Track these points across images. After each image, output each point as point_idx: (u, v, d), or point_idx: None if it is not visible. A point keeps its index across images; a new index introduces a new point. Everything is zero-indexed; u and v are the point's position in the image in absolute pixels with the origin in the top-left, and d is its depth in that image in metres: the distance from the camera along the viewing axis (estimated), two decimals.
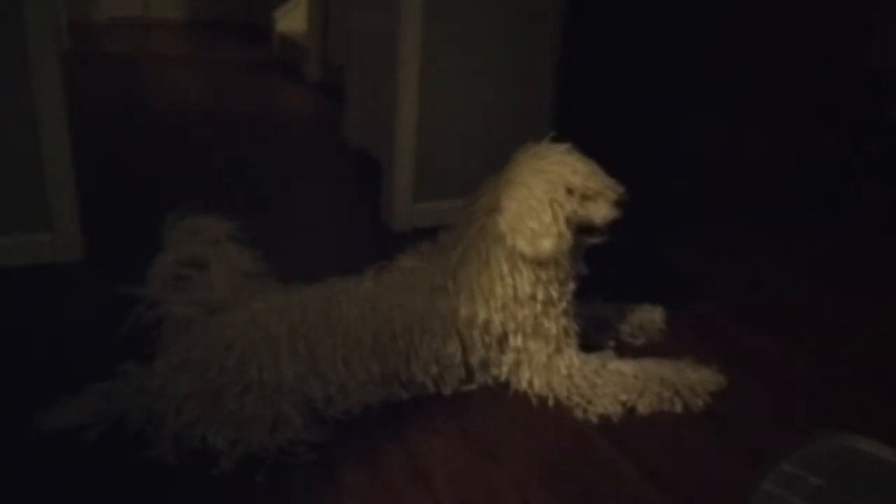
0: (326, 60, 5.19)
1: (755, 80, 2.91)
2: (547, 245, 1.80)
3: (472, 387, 1.92)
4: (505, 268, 1.86)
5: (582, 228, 1.88)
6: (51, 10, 2.33)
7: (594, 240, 1.92)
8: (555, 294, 1.89)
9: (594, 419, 1.83)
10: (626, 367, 1.92)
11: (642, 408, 1.86)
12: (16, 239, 2.43)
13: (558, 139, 1.93)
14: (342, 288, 1.89)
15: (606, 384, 1.88)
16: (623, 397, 1.87)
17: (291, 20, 6.06)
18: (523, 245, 1.81)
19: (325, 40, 5.17)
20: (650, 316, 2.23)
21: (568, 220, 1.83)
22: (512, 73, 2.93)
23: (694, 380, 1.92)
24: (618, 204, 1.87)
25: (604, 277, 2.02)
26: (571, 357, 1.92)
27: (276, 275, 2.04)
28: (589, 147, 1.93)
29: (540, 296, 1.87)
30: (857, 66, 3.12)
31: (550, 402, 1.89)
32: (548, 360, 1.90)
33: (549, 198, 1.81)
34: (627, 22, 2.85)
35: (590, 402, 1.86)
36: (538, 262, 1.84)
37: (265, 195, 3.22)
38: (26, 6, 2.26)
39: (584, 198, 1.85)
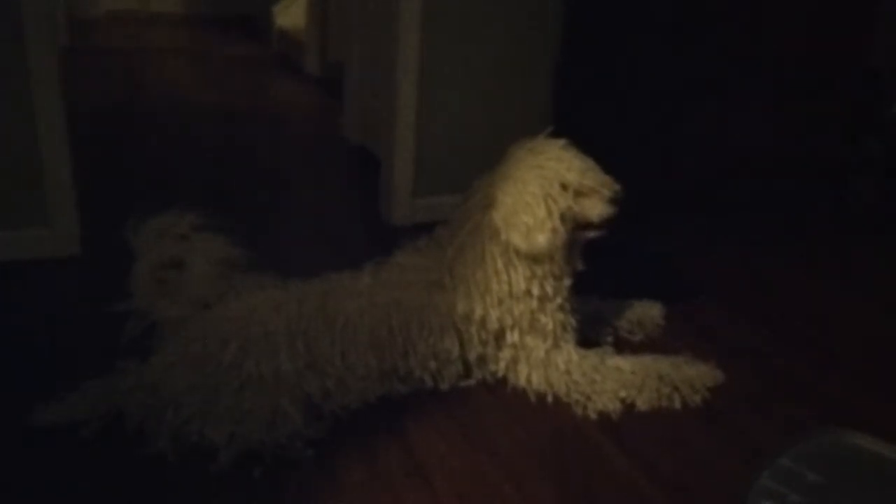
0: (325, 56, 5.18)
1: (755, 80, 2.90)
2: (541, 240, 1.80)
3: (471, 382, 1.92)
4: (500, 263, 1.85)
5: (578, 224, 1.88)
6: (48, 4, 2.32)
7: (590, 234, 1.92)
8: (550, 289, 1.88)
9: (593, 415, 1.83)
10: (625, 363, 1.92)
11: (641, 404, 1.86)
12: (13, 233, 2.42)
13: (555, 135, 1.93)
14: (340, 283, 1.89)
15: (605, 380, 1.87)
16: (622, 393, 1.86)
17: (290, 15, 6.04)
18: (517, 240, 1.81)
19: (324, 35, 5.16)
20: (648, 312, 2.23)
21: (562, 216, 1.83)
22: (511, 69, 2.93)
23: (692, 376, 1.92)
24: (613, 201, 1.87)
25: (601, 273, 2.01)
26: (569, 353, 1.92)
27: (251, 257, 2.02)
28: (587, 143, 1.92)
29: (535, 291, 1.87)
30: (857, 65, 3.12)
31: (549, 398, 1.88)
32: (545, 356, 1.90)
33: (543, 193, 1.81)
34: (627, 19, 2.85)
35: (588, 398, 1.86)
36: (533, 258, 1.84)
37: (263, 190, 3.22)
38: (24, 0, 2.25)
39: (579, 194, 1.85)
